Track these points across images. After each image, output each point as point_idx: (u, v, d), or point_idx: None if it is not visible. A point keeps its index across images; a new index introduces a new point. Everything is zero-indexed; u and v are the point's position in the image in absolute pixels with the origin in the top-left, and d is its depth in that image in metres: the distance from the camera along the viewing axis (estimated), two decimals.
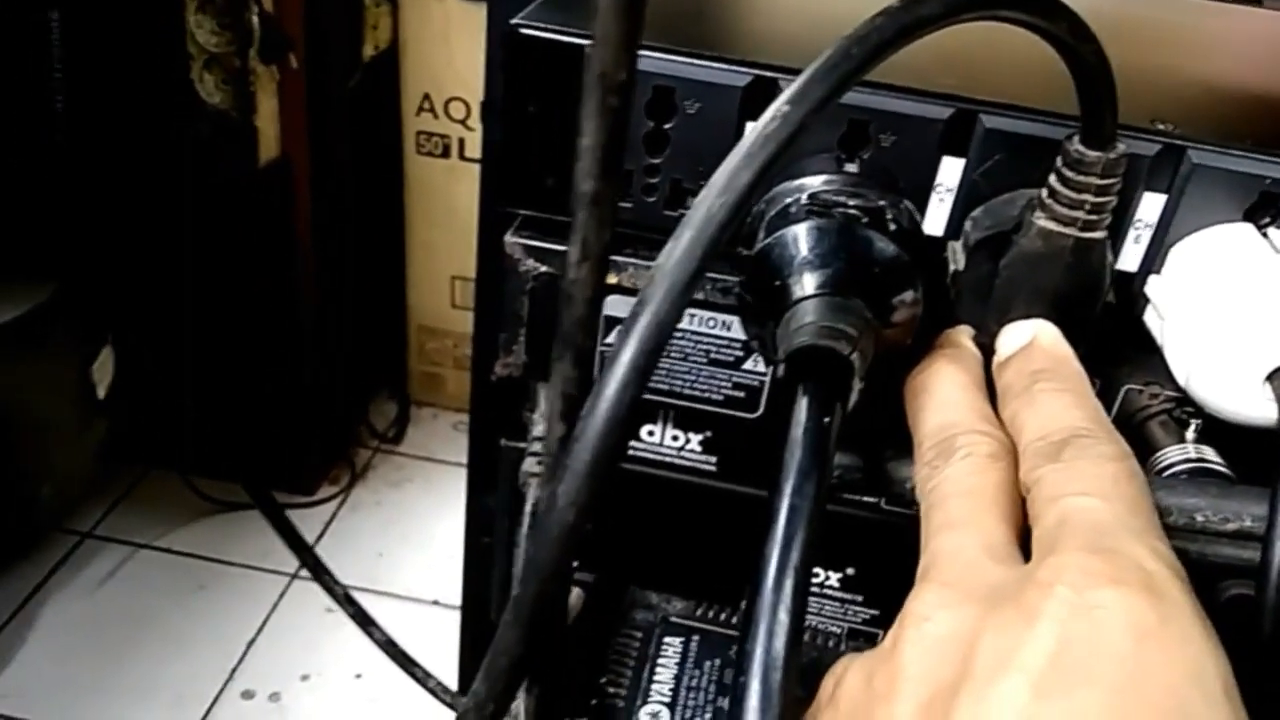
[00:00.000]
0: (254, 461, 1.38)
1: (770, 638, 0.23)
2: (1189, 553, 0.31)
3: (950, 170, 0.35)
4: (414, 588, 1.39)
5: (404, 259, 1.60)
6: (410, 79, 1.47)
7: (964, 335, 0.34)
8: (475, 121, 1.47)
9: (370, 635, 0.52)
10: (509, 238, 0.40)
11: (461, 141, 1.49)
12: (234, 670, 1.28)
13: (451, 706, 0.53)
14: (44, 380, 1.24)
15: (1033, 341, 0.32)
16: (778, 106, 0.21)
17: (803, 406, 0.27)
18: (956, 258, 0.34)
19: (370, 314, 1.58)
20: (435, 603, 1.37)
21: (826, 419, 0.26)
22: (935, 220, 0.35)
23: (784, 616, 0.23)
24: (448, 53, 1.43)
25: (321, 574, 0.53)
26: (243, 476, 0.77)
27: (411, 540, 1.47)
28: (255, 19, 1.17)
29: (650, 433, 0.43)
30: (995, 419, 0.30)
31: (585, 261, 0.19)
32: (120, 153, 1.24)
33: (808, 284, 0.30)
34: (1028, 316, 0.32)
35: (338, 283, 1.44)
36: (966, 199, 0.35)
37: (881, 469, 0.34)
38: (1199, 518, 0.32)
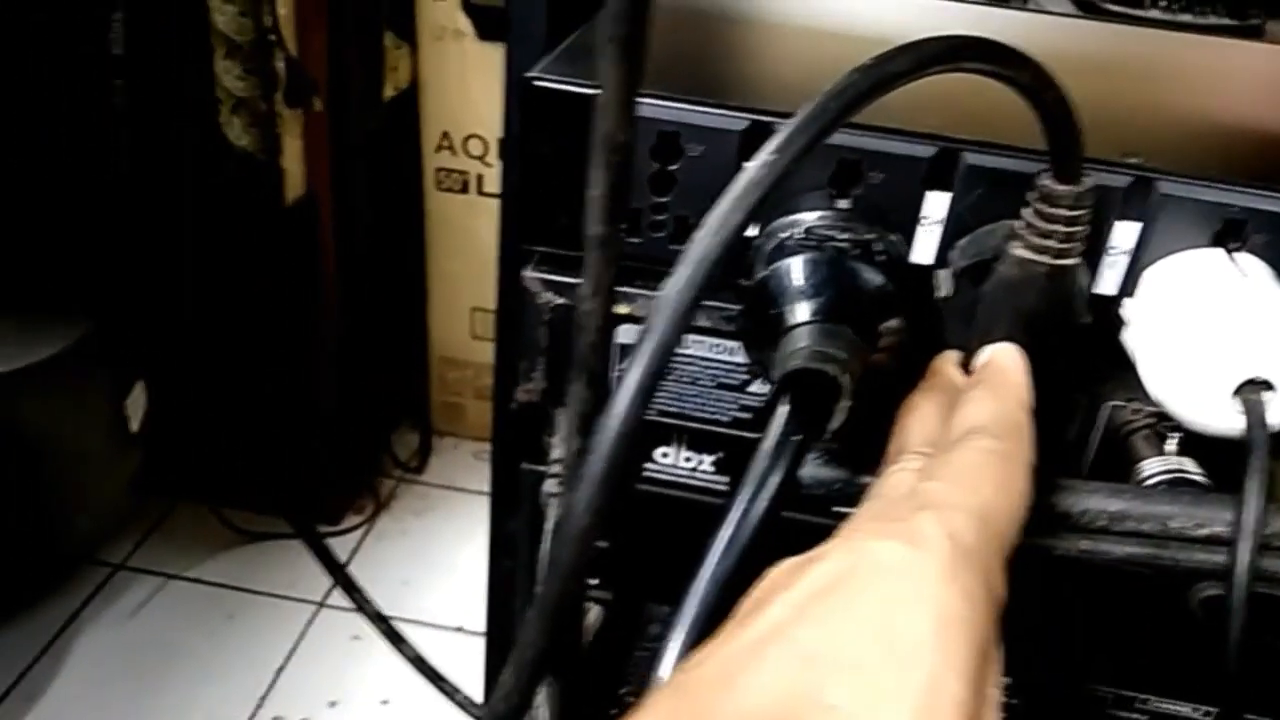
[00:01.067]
0: (281, 491, 1.41)
1: (694, 619, 0.26)
2: (1162, 558, 0.33)
3: (936, 204, 0.37)
4: (438, 615, 1.41)
5: (425, 292, 1.64)
6: (429, 118, 1.51)
7: (949, 363, 0.36)
8: (493, 158, 1.51)
9: (401, 652, 0.54)
10: (527, 273, 0.43)
11: (480, 177, 1.53)
12: (263, 698, 1.30)
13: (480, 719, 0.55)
14: (79, 415, 1.27)
15: (987, 361, 0.35)
16: (764, 154, 0.24)
17: (776, 422, 0.29)
18: (943, 285, 0.37)
19: (392, 346, 1.61)
20: (459, 629, 1.39)
21: (796, 436, 0.29)
22: (923, 250, 0.38)
23: (707, 601, 0.26)
24: (465, 92, 1.47)
25: (353, 592, 0.56)
26: (274, 496, 0.81)
27: (435, 568, 1.49)
28: (281, 64, 1.21)
29: (665, 454, 0.46)
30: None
31: (595, 295, 0.22)
32: (152, 193, 1.28)
33: (801, 312, 0.33)
34: (1007, 338, 0.35)
35: (361, 316, 1.47)
36: (951, 230, 0.37)
37: (869, 483, 0.36)
38: (1173, 524, 0.34)
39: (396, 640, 0.54)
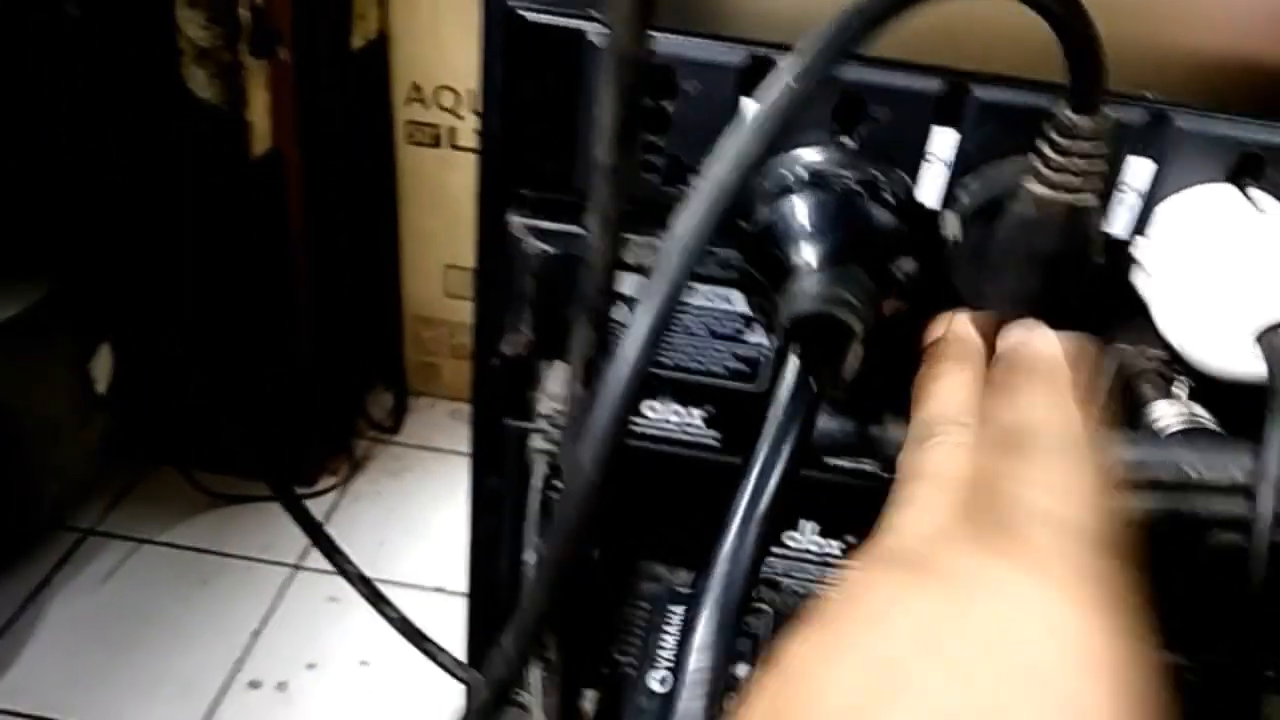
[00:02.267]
0: (254, 453, 1.39)
1: (728, 582, 0.24)
2: (1182, 510, 0.32)
3: (943, 141, 0.36)
4: (415, 575, 1.40)
5: (398, 249, 1.61)
6: (399, 69, 1.47)
7: (967, 325, 0.34)
8: (466, 110, 1.48)
9: (383, 613, 0.53)
10: (513, 219, 0.41)
11: (452, 130, 1.50)
12: (240, 661, 1.29)
13: (464, 681, 0.54)
14: (43, 378, 1.24)
15: (1026, 341, 0.32)
16: (781, 79, 0.22)
17: (791, 369, 0.28)
18: (951, 226, 0.35)
19: (365, 305, 1.59)
20: (438, 589, 1.38)
21: (812, 381, 0.27)
22: (929, 190, 0.36)
23: (743, 563, 0.25)
24: (436, 42, 1.43)
25: (334, 555, 0.54)
26: (251, 457, 0.79)
27: (412, 529, 1.48)
28: (245, 12, 1.17)
29: (653, 409, 0.44)
30: (979, 413, 0.31)
31: (604, 231, 0.20)
32: (113, 149, 1.24)
33: (809, 254, 0.31)
34: (1022, 281, 0.33)
35: (332, 274, 1.44)
36: (959, 169, 0.36)
37: (881, 435, 0.35)
38: (1191, 473, 0.33)
39: (380, 602, 0.53)
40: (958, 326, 0.35)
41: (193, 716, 1.22)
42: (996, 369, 0.32)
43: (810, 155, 0.34)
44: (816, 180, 0.33)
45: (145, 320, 1.35)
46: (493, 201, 0.46)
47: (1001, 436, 0.29)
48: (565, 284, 0.41)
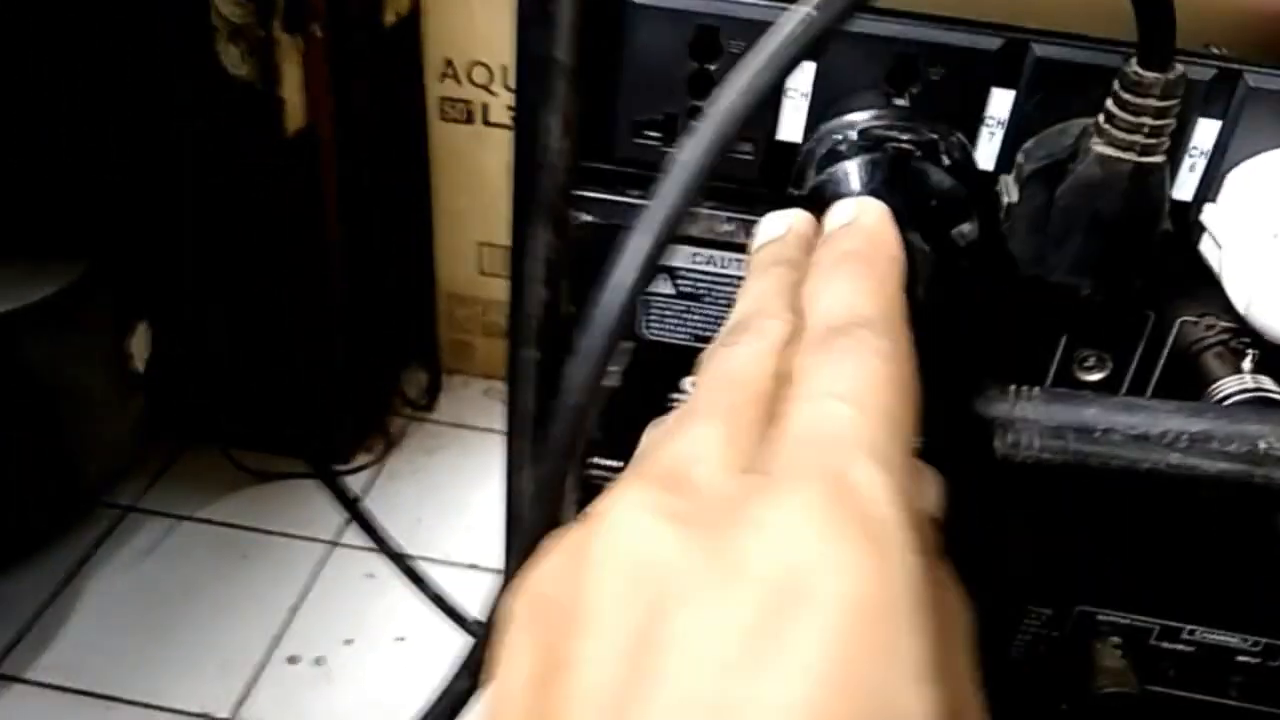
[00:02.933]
0: (291, 432, 1.39)
1: None
2: (1256, 476, 0.30)
3: (1001, 102, 0.34)
4: (451, 552, 1.40)
5: (431, 227, 1.60)
6: (432, 45, 1.46)
7: (800, 222, 0.31)
8: (499, 86, 1.47)
9: (421, 588, 0.53)
10: None
11: (485, 107, 1.49)
12: (278, 637, 1.30)
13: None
14: (82, 356, 1.25)
15: (853, 219, 0.29)
16: (802, 9, 0.20)
17: None
18: (1009, 191, 0.34)
19: (399, 283, 1.58)
20: (473, 566, 1.39)
21: None
22: (986, 154, 0.35)
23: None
24: (469, 17, 1.42)
25: (370, 530, 0.54)
26: (285, 437, 0.79)
27: (447, 505, 1.48)
28: None
29: (694, 384, 0.43)
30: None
31: (564, 132, 0.19)
32: (148, 127, 1.24)
33: None
34: (1085, 247, 0.32)
35: (366, 251, 1.44)
36: (1018, 131, 0.34)
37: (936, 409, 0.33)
38: (1261, 444, 0.31)
39: (414, 577, 0.52)
40: (800, 224, 0.30)
41: (232, 691, 1.24)
42: (821, 248, 0.28)
43: (862, 118, 0.33)
44: (869, 143, 0.32)
45: (184, 300, 1.36)
46: (528, 172, 0.45)
47: (821, 333, 0.24)
48: (605, 253, 0.40)
